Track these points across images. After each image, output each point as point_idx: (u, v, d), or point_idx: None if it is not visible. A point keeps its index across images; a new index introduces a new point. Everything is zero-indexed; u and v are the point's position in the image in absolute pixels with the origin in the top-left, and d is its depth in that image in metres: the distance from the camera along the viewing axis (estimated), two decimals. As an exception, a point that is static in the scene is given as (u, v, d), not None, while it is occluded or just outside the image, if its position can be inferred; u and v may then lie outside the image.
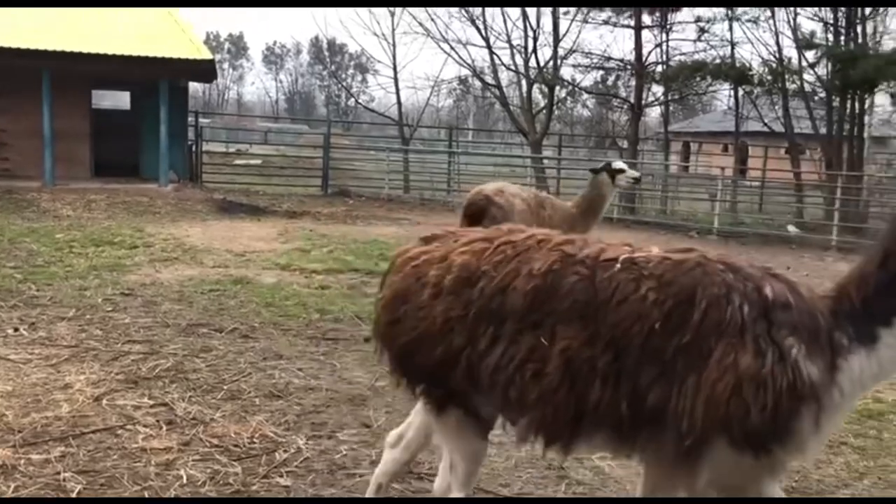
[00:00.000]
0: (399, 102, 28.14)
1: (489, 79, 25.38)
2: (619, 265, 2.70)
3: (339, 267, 10.20)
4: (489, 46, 23.30)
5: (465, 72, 27.71)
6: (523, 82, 23.66)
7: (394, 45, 26.86)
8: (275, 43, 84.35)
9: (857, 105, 20.06)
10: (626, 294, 2.64)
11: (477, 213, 7.17)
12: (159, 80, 17.52)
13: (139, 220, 13.66)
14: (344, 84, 54.75)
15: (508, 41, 23.19)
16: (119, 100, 21.88)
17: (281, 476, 4.14)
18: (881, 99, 21.77)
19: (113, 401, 5.06)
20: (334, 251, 11.54)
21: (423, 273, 2.94)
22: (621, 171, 8.11)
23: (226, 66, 77.96)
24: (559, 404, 2.66)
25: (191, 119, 21.66)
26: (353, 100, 48.96)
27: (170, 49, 17.39)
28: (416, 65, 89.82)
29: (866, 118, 20.65)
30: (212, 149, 25.81)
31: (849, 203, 18.57)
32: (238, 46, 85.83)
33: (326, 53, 69.13)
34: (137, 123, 19.57)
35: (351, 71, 69.34)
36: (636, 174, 8.87)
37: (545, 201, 7.89)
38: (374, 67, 43.84)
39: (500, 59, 24.07)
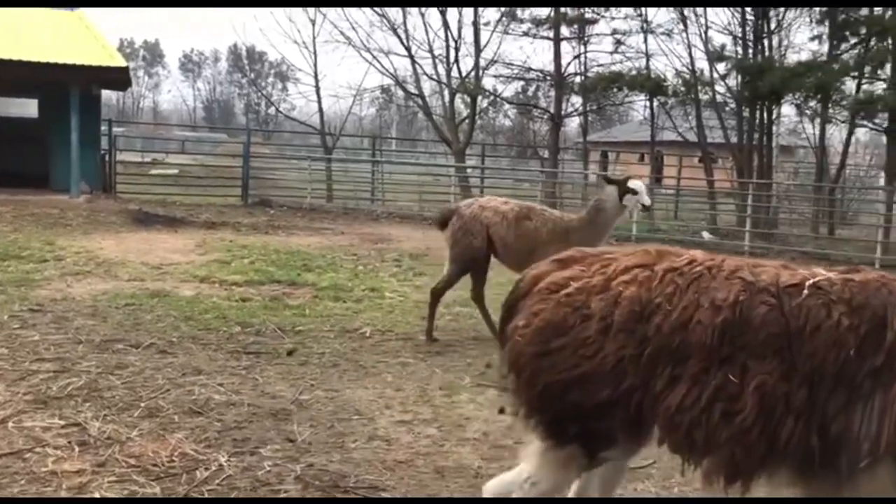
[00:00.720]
0: (321, 111, 27.90)
1: (412, 88, 25.44)
2: (806, 291, 2.56)
3: (261, 278, 9.99)
4: (411, 56, 23.38)
5: (387, 81, 27.72)
6: (446, 92, 23.80)
7: (315, 54, 26.63)
8: (192, 50, 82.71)
9: (765, 115, 20.89)
10: (818, 322, 2.50)
11: (442, 222, 7.76)
12: (69, 87, 16.87)
13: (49, 233, 13.07)
14: (264, 93, 53.99)
15: (430, 51, 23.32)
16: (26, 107, 20.94)
17: (202, 495, 4.00)
18: (787, 109, 22.74)
19: (20, 423, 4.80)
20: (255, 262, 11.30)
21: (583, 303, 2.74)
22: (633, 191, 7.28)
23: (141, 73, 75.89)
24: (751, 444, 2.51)
25: (104, 128, 20.93)
26: (273, 108, 48.30)
27: (80, 56, 16.78)
28: (338, 73, 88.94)
29: (774, 128, 21.54)
30: (126, 158, 24.96)
31: (759, 209, 19.30)
32: (154, 54, 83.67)
33: (245, 61, 68.07)
34: (46, 132, 18.78)
35: (271, 79, 68.53)
36: (646, 201, 7.56)
37: (532, 212, 7.50)
38: (295, 76, 43.51)
39: (422, 69, 24.16)
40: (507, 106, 30.19)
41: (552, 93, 24.60)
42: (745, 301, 2.57)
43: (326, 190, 23.52)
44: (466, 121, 24.06)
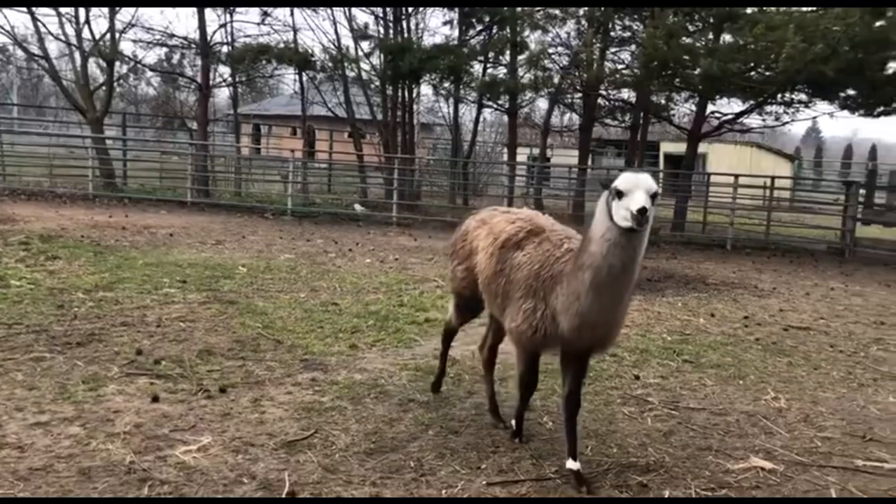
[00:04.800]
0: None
1: (35, 49, 22.55)
2: None
3: None
4: (31, 12, 20.66)
5: (2, 39, 24.21)
6: (77, 55, 21.50)
7: None
8: None
9: (406, 94, 22.18)
10: None
11: None
12: None
13: None
14: None
15: (57, 11, 20.81)
16: None
17: None
18: (426, 89, 24.37)
19: None
20: None
21: None
22: (619, 194, 3.81)
23: None
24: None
25: None
26: None
27: None
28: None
29: (415, 106, 22.96)
30: None
31: (405, 183, 20.56)
32: None
33: None
34: None
35: None
36: (639, 204, 3.68)
37: (535, 236, 4.63)
38: None
39: (45, 28, 21.54)
40: (149, 73, 28.30)
41: (199, 62, 23.53)
42: None
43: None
44: (103, 88, 22.01)
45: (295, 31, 22.49)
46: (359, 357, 6.68)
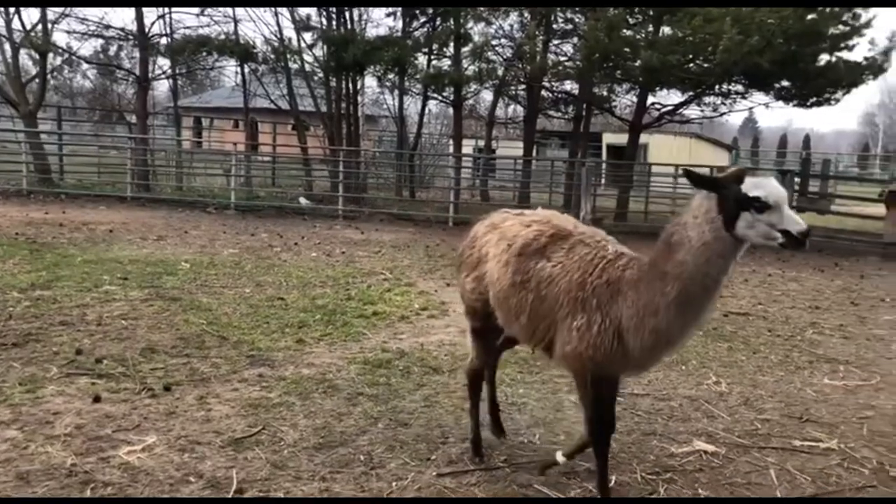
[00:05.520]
0: None
1: (-41, 40, 21.68)
2: None
3: None
4: (-44, 1, 19.87)
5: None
6: (7, 46, 20.77)
7: None
8: None
9: (350, 86, 22.00)
10: None
11: None
12: None
13: None
14: None
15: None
16: None
17: None
18: (370, 81, 24.22)
19: None
20: None
21: None
22: (757, 204, 3.25)
23: None
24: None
25: None
26: None
27: None
28: None
29: (359, 98, 22.78)
30: None
31: (350, 175, 20.42)
32: None
33: None
34: None
35: None
36: (803, 225, 3.22)
37: (560, 240, 3.98)
38: None
39: (-29, 18, 20.68)
40: (85, 65, 27.46)
41: (137, 53, 22.94)
42: None
43: None
44: (36, 80, 21.31)
45: (236, 22, 22.15)
46: (306, 352, 6.63)
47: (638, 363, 3.73)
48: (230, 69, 26.46)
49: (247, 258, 11.48)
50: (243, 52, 21.24)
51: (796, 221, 3.20)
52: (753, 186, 3.24)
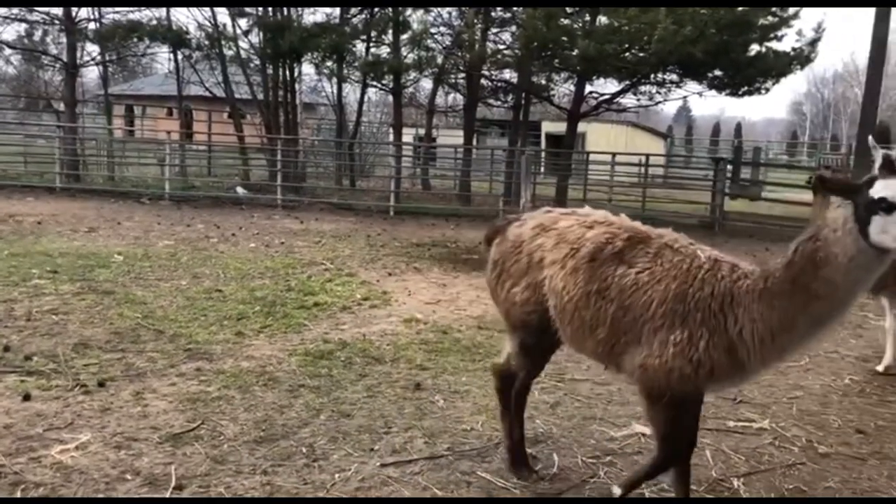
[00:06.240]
0: None
1: None
2: None
3: None
4: None
5: None
6: (-77, 30, 19.87)
7: None
8: None
9: (288, 73, 21.68)
10: None
11: (488, 244, 4.36)
12: None
13: None
14: None
15: None
16: None
17: None
18: (308, 68, 23.87)
19: None
20: None
21: None
22: (891, 207, 2.97)
23: None
24: None
25: None
26: None
27: None
28: None
29: (297, 85, 22.48)
30: None
31: (289, 164, 20.16)
32: None
33: None
34: None
35: None
36: None
37: (642, 243, 3.62)
38: None
39: None
40: (8, 51, 26.39)
41: (64, 39, 22.15)
42: None
43: None
44: (-45, 66, 20.46)
45: (168, 7, 21.49)
46: (245, 344, 6.53)
47: (748, 378, 3.59)
48: (163, 56, 25.80)
49: (183, 249, 11.24)
50: (176, 39, 20.72)
51: None
52: (882, 188, 2.97)
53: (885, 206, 2.92)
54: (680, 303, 3.36)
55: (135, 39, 21.61)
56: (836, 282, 3.08)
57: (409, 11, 20.00)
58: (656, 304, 3.40)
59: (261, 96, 21.81)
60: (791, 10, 17.84)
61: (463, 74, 22.65)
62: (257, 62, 21.72)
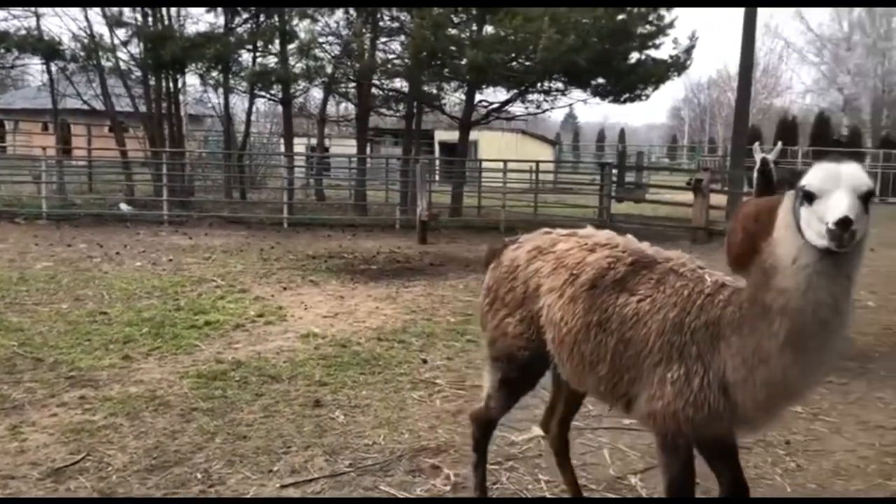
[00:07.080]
0: None
1: None
2: None
3: None
4: None
5: None
6: None
7: None
8: None
9: (171, 84, 20.97)
10: None
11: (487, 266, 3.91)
12: None
13: None
14: None
15: None
16: None
17: None
18: (192, 79, 23.22)
19: None
20: None
21: None
22: (808, 196, 2.53)
23: None
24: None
25: None
26: None
27: None
28: None
29: (181, 97, 21.78)
30: None
31: (175, 178, 19.48)
32: None
33: None
34: None
35: None
36: (838, 213, 2.38)
37: (643, 267, 3.21)
38: None
39: None
40: None
41: (-79, 50, 20.69)
42: None
43: None
44: None
45: (38, 16, 20.39)
46: (133, 368, 6.24)
47: (752, 422, 3.00)
48: (35, 67, 24.47)
49: (63, 271, 10.67)
50: (48, 49, 19.66)
51: (835, 209, 2.40)
52: (809, 175, 2.53)
53: (805, 195, 2.50)
54: (677, 334, 2.94)
55: (2, 50, 20.38)
56: (788, 290, 2.58)
57: (295, 21, 19.72)
58: (654, 336, 2.99)
59: (143, 108, 21.00)
60: (667, 20, 18.67)
61: (353, 84, 22.52)
62: (138, 73, 20.89)
